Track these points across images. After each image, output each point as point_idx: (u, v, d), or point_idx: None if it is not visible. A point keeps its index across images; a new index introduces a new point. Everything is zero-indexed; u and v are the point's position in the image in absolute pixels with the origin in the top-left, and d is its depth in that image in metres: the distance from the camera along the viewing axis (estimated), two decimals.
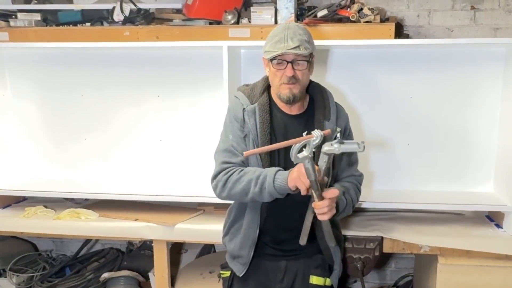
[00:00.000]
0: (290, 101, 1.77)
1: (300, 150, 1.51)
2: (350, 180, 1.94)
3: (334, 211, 1.67)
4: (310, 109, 1.86)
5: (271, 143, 1.77)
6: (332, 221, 1.86)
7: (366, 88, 2.53)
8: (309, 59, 1.75)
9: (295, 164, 1.59)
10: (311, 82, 1.88)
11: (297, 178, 1.60)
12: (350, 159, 1.94)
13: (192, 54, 2.62)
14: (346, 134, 1.92)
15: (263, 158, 1.78)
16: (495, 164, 2.48)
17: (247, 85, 1.93)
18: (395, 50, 2.47)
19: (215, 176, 1.79)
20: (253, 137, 1.79)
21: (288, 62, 1.71)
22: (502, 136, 2.41)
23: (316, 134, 1.54)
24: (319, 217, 1.66)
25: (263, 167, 1.77)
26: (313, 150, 1.53)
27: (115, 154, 2.81)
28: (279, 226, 1.87)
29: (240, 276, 1.89)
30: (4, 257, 3.06)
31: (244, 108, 1.82)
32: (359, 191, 1.96)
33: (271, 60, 1.73)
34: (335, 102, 1.91)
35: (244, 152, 1.67)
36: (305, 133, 1.80)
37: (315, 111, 1.85)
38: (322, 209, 1.62)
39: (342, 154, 1.85)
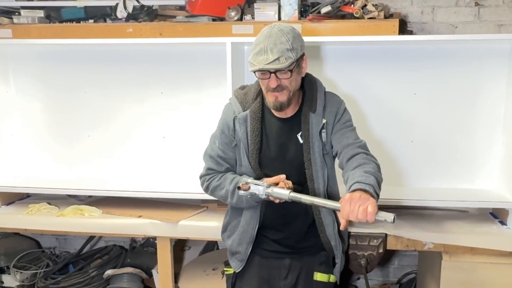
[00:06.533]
0: (278, 109, 1.74)
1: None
2: (359, 153, 1.69)
3: (369, 203, 1.40)
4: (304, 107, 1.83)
5: (261, 152, 1.80)
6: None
7: (369, 84, 2.52)
8: (293, 68, 1.65)
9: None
10: (305, 76, 1.80)
11: None
12: (344, 125, 1.80)
13: (195, 51, 2.61)
14: (336, 120, 1.79)
15: (255, 168, 1.80)
16: (499, 161, 2.47)
17: (243, 88, 1.91)
18: (399, 47, 2.47)
19: (201, 177, 1.94)
20: (244, 145, 1.80)
21: (271, 73, 1.65)
22: (507, 133, 2.40)
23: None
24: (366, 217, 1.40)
25: (255, 175, 1.79)
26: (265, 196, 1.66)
27: (118, 151, 2.81)
28: (280, 222, 1.86)
29: (238, 271, 1.91)
30: (8, 254, 3.07)
31: (235, 116, 1.81)
32: (374, 161, 1.68)
33: (254, 71, 1.68)
34: (327, 92, 1.84)
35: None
36: (299, 134, 1.79)
37: (304, 104, 1.80)
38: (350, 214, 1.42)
39: (333, 127, 1.79)
